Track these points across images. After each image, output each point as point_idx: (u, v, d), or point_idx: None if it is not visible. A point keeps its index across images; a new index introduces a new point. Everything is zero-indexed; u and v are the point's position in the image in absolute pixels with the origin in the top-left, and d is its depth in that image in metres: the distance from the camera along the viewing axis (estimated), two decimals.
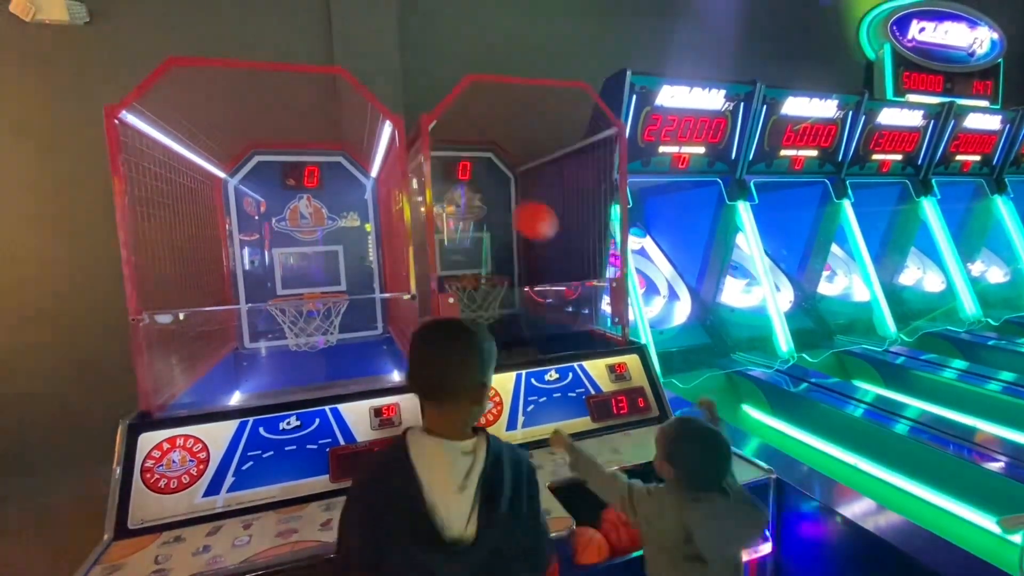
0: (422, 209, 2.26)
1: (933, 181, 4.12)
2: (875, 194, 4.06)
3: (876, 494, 2.14)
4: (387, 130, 2.39)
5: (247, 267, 3.25)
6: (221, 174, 3.05)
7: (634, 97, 2.82)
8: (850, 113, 3.49)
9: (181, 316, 2.05)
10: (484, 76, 2.24)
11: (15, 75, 3.17)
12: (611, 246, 2.91)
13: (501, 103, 2.64)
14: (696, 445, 1.35)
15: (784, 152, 3.44)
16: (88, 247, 3.28)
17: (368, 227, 3.47)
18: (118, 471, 1.67)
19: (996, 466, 2.14)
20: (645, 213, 4.01)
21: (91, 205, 3.21)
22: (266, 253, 3.28)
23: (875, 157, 3.85)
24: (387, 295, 3.36)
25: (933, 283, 4.54)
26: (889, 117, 3.74)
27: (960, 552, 1.50)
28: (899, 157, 3.96)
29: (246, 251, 3.24)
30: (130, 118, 1.82)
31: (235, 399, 3.01)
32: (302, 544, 1.52)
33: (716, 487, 1.33)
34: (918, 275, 4.60)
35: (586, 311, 2.99)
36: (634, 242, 3.88)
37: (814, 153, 3.57)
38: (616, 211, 2.68)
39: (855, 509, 1.73)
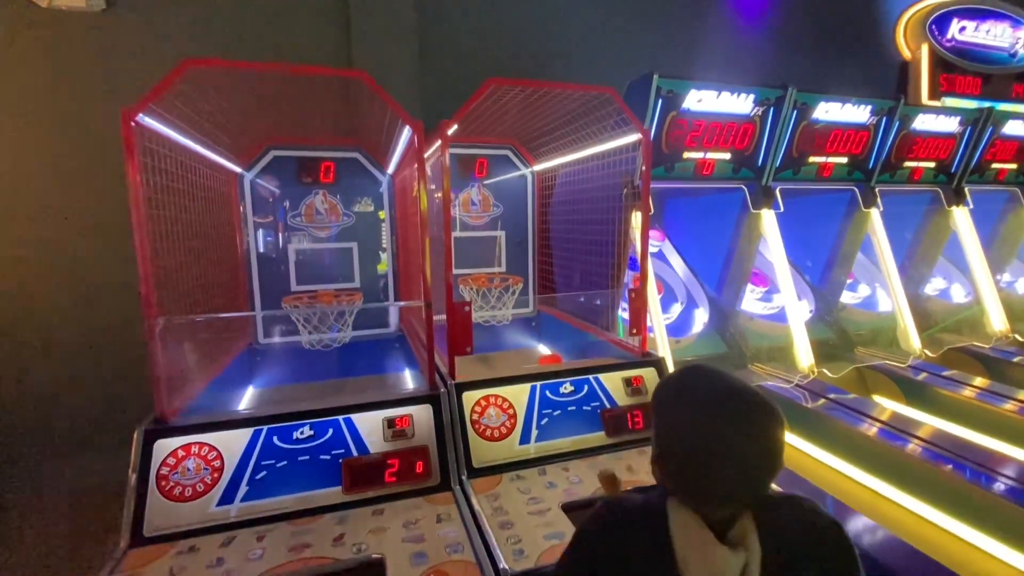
0: (439, 208, 2.21)
1: (966, 189, 3.98)
2: (904, 202, 3.93)
3: (892, 519, 2.10)
4: (405, 133, 2.34)
5: (262, 261, 3.25)
6: (237, 168, 3.03)
7: (660, 101, 2.73)
8: (884, 119, 3.36)
9: (199, 319, 2.04)
10: (506, 80, 2.16)
11: (30, 62, 3.15)
12: (631, 252, 2.85)
13: (521, 103, 2.57)
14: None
15: (812, 159, 3.32)
16: (103, 238, 3.30)
17: (382, 215, 3.43)
18: (133, 478, 1.67)
19: (1009, 490, 2.07)
20: (664, 215, 3.92)
21: (106, 195, 3.23)
22: (281, 248, 3.27)
23: (907, 164, 3.71)
24: (402, 303, 3.34)
25: (959, 294, 4.41)
26: (924, 123, 3.60)
27: None
28: (932, 164, 3.82)
29: (261, 245, 3.23)
30: (147, 120, 1.78)
31: (249, 394, 3.04)
32: (315, 560, 1.52)
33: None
34: (943, 285, 4.48)
35: (603, 321, 2.94)
36: (652, 244, 3.80)
37: (844, 160, 3.44)
38: (637, 218, 2.62)
39: (871, 541, 1.69)
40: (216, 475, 1.75)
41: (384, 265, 3.52)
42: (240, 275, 3.17)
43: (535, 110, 2.65)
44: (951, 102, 4.39)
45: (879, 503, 2.33)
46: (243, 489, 1.75)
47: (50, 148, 3.24)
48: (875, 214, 3.64)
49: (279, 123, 2.91)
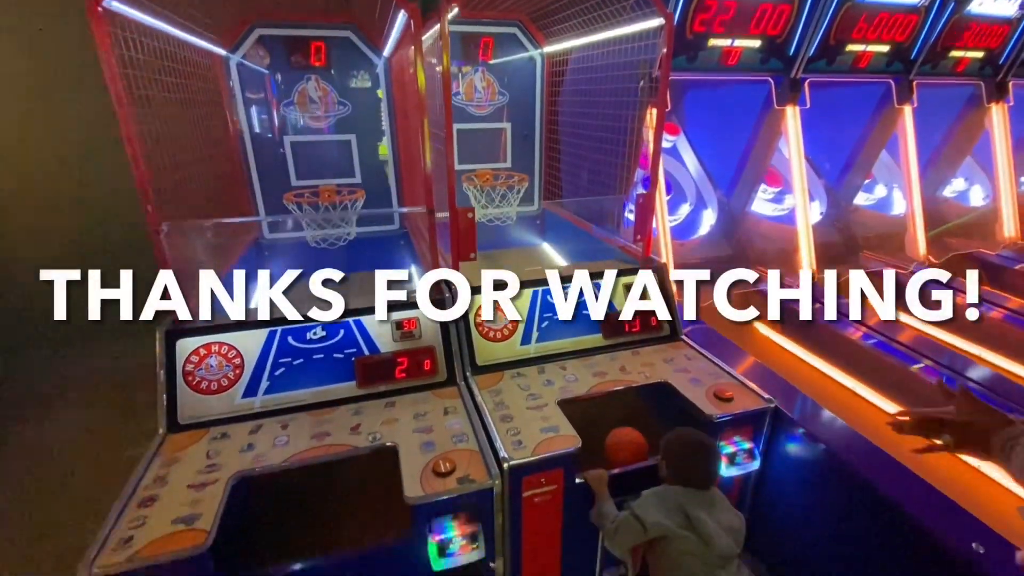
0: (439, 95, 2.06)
1: (1010, 84, 3.65)
2: (940, 98, 3.63)
3: (867, 420, 2.26)
4: (400, 16, 2.11)
5: (258, 153, 3.14)
6: (221, 51, 2.79)
7: None
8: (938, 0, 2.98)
9: (209, 228, 2.04)
10: None
11: None
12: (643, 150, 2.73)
13: None
14: (690, 451, 1.52)
15: (850, 47, 3.00)
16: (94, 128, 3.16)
17: (380, 93, 3.24)
18: (162, 374, 1.80)
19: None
20: (684, 106, 3.66)
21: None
22: (277, 139, 3.13)
23: (953, 54, 3.36)
24: (405, 210, 3.28)
25: (977, 197, 4.27)
26: (982, 5, 3.18)
27: (936, 494, 1.54)
28: (980, 55, 3.46)
29: (256, 136, 3.09)
30: (115, 4, 1.61)
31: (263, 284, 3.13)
32: (335, 448, 1.68)
33: (710, 484, 1.50)
34: (963, 187, 4.32)
35: (609, 221, 2.91)
36: (666, 140, 3.61)
37: (884, 48, 3.11)
38: (653, 116, 2.46)
39: (838, 441, 1.83)
40: (238, 371, 1.88)
41: (384, 149, 3.38)
42: (238, 168, 3.09)
43: None
44: None
45: (853, 401, 2.51)
46: (264, 383, 1.89)
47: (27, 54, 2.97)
48: (907, 112, 3.39)
49: None
